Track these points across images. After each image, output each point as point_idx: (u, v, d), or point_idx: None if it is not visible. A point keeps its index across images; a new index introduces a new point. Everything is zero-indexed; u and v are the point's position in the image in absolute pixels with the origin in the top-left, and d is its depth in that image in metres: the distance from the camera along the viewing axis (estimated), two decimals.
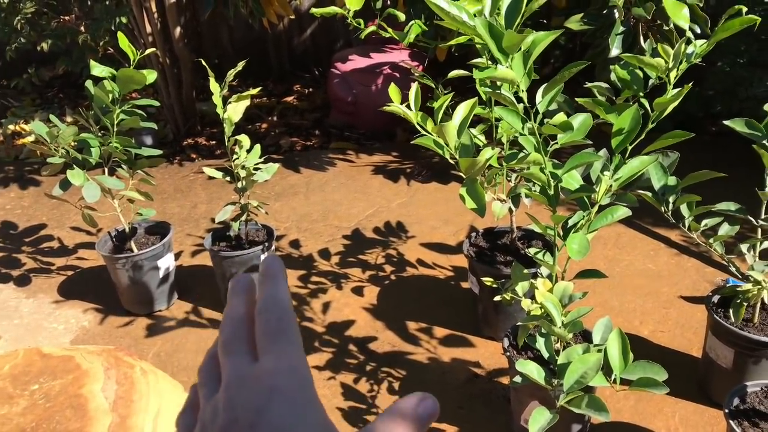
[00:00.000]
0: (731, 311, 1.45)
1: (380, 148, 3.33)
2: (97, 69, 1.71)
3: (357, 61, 3.39)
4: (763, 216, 1.37)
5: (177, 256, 2.38)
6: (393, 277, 2.17)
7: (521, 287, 1.31)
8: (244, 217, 1.93)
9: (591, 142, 1.24)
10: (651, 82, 1.27)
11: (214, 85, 1.75)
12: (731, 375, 1.46)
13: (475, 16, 1.09)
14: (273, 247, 2.01)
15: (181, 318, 2.03)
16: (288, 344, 0.33)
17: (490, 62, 1.33)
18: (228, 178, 1.90)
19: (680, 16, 1.21)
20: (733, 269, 1.48)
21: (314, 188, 2.90)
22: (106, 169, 1.89)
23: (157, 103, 1.88)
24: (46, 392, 1.45)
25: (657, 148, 1.18)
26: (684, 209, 1.40)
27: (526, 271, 1.36)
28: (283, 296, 0.36)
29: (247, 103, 1.80)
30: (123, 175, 1.94)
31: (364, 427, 0.33)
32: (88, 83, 1.78)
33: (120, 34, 1.76)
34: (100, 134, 1.82)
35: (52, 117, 1.84)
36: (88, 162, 1.80)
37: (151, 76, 1.80)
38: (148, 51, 1.89)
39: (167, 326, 1.99)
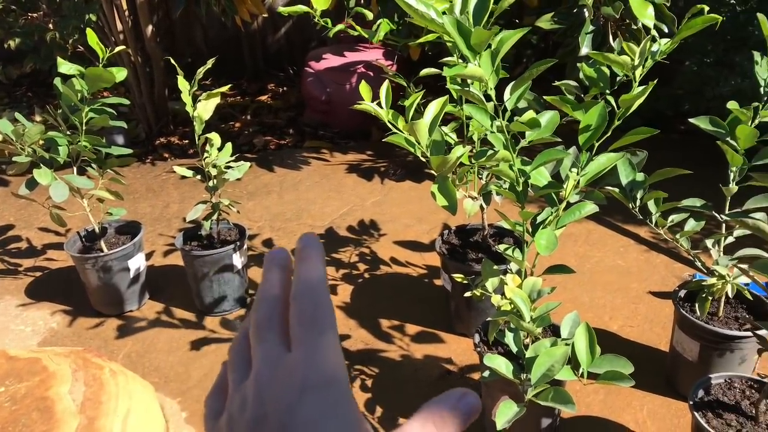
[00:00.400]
0: (697, 305, 1.48)
1: (355, 146, 3.33)
2: (65, 66, 1.68)
3: (331, 60, 3.39)
4: (727, 212, 1.40)
5: (149, 256, 2.36)
6: (366, 275, 2.17)
7: (491, 283, 1.32)
8: (215, 216, 1.92)
9: (560, 140, 1.25)
10: (618, 79, 1.29)
11: (182, 83, 1.73)
12: (697, 368, 1.48)
13: (444, 13, 1.10)
14: (245, 246, 2.00)
15: (152, 318, 2.01)
16: (323, 336, 0.31)
17: (460, 60, 1.34)
18: (199, 177, 1.88)
19: (645, 15, 1.23)
20: (698, 264, 1.50)
21: (288, 187, 2.89)
22: (75, 169, 1.86)
23: (127, 102, 1.86)
24: (11, 395, 1.43)
25: (624, 145, 1.20)
26: (651, 205, 1.42)
27: (496, 267, 1.37)
28: (320, 281, 0.33)
29: (217, 100, 1.79)
30: (93, 174, 1.91)
31: (402, 425, 0.32)
32: (57, 81, 1.75)
33: (89, 31, 1.74)
34: (68, 133, 1.79)
35: (17, 115, 1.82)
36: (56, 161, 1.77)
37: (120, 74, 1.78)
38: (117, 49, 1.86)
39: (138, 327, 1.97)
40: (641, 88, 1.14)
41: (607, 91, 1.24)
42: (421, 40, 1.40)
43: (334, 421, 0.29)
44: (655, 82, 1.15)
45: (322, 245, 0.35)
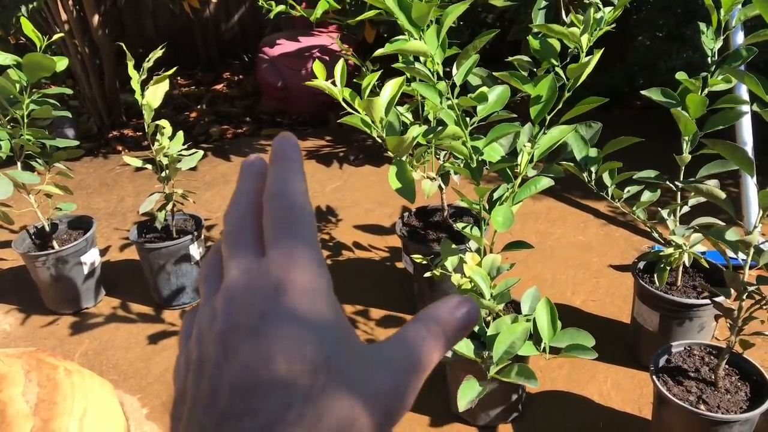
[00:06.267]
0: (656, 276, 1.49)
1: (313, 133, 3.29)
2: (0, 57, 1.61)
3: (285, 46, 3.33)
4: (681, 179, 1.41)
5: (104, 251, 2.29)
6: (329, 261, 2.15)
7: (450, 262, 1.31)
8: (169, 207, 1.87)
9: (515, 115, 1.24)
10: (569, 51, 1.28)
11: (132, 71, 1.67)
12: (658, 338, 1.49)
13: None
14: (202, 237, 1.96)
15: (109, 315, 1.95)
16: (298, 237, 0.28)
17: (411, 39, 1.31)
18: (149, 166, 1.83)
19: None
20: (655, 235, 1.51)
21: None
22: (20, 164, 1.79)
23: (70, 91, 1.80)
24: None
25: (575, 116, 1.19)
26: (606, 178, 1.42)
27: (455, 246, 1.36)
28: (296, 182, 0.30)
29: (166, 86, 1.73)
30: (39, 169, 1.84)
31: (394, 333, 0.29)
32: None
33: (23, 20, 1.67)
34: (9, 127, 1.72)
35: None
36: None
37: (61, 63, 1.71)
38: (56, 36, 1.79)
39: (94, 324, 1.91)
40: (588, 57, 1.13)
41: (556, 64, 1.23)
42: (362, 17, 1.38)
43: (314, 330, 0.26)
44: (602, 50, 1.14)
45: (299, 147, 0.32)
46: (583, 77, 1.11)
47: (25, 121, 1.71)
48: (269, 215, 0.29)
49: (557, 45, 1.26)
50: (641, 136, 1.32)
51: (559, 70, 1.17)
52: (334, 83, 1.37)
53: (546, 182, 1.21)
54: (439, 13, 1.12)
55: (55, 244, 1.91)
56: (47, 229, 1.91)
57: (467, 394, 1.17)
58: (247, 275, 0.28)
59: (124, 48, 1.83)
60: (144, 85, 1.75)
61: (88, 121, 3.43)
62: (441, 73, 1.07)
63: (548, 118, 1.14)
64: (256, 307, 0.26)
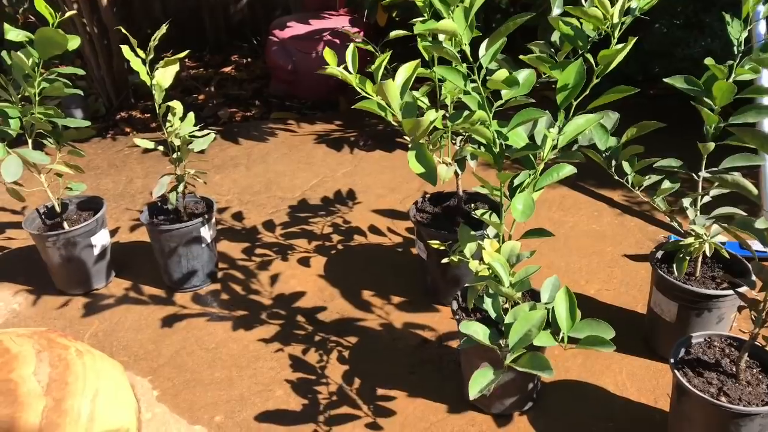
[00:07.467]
0: (674, 266, 1.47)
1: (323, 117, 3.27)
2: (13, 33, 1.59)
3: (296, 28, 3.29)
4: (703, 169, 1.38)
5: (114, 232, 2.28)
6: (340, 246, 2.13)
7: (469, 249, 1.29)
8: (180, 188, 1.85)
9: (534, 100, 1.22)
10: (590, 39, 1.26)
11: (127, 53, 1.64)
12: (675, 328, 1.48)
13: None
14: (214, 220, 1.94)
15: (119, 296, 1.94)
16: None
17: (432, 20, 1.29)
18: (161, 148, 1.81)
19: None
20: (675, 225, 1.49)
21: (256, 159, 2.81)
22: (30, 142, 1.77)
23: (81, 72, 1.78)
24: None
25: (601, 104, 1.17)
26: (626, 165, 1.40)
27: (473, 232, 1.34)
28: None
29: (176, 68, 1.71)
30: (50, 148, 1.82)
31: None
32: (4, 53, 1.67)
33: None
34: (21, 104, 1.71)
35: None
36: (7, 134, 1.68)
37: (74, 42, 1.69)
38: (69, 13, 1.77)
39: (105, 305, 1.90)
40: (621, 45, 1.10)
41: (585, 50, 1.20)
42: None
43: None
44: (635, 38, 1.11)
45: None
46: (614, 64, 1.08)
47: (37, 99, 1.69)
48: None
49: (579, 25, 1.23)
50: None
51: (588, 56, 1.15)
52: (346, 68, 1.34)
53: (569, 169, 1.19)
54: None
55: (65, 224, 1.90)
56: (57, 209, 1.89)
57: (479, 382, 1.15)
58: None
59: (124, 31, 1.80)
60: (152, 65, 1.72)
61: (96, 102, 3.41)
62: (468, 54, 1.05)
63: (574, 104, 1.12)
64: None
